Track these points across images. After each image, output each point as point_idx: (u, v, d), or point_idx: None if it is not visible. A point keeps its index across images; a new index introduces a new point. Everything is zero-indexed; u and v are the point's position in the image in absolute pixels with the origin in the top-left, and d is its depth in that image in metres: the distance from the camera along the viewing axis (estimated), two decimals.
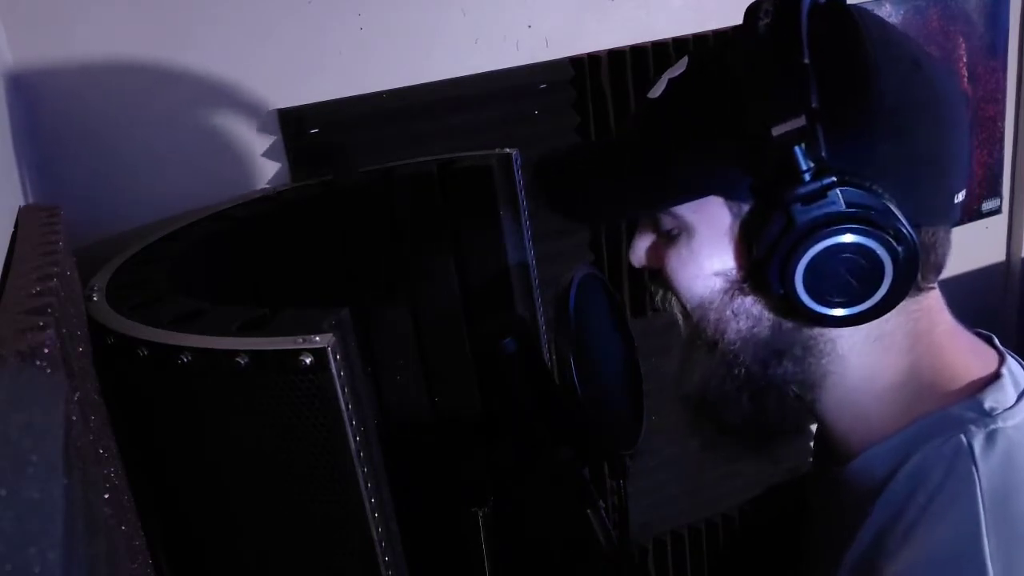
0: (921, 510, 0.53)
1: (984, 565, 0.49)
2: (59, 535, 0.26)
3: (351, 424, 0.55)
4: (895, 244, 0.51)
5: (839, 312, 0.54)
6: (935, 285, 0.59)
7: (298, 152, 1.11)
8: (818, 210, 0.51)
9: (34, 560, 0.24)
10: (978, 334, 0.63)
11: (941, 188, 0.56)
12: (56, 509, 0.27)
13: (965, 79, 1.67)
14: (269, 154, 1.11)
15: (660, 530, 1.53)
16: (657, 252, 0.63)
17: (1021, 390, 0.57)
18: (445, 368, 1.05)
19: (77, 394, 0.43)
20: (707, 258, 0.58)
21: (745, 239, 0.56)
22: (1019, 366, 0.60)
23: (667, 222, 0.60)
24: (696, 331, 0.61)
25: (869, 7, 1.50)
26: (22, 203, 0.73)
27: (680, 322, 0.64)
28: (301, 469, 0.58)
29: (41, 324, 0.39)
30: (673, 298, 0.63)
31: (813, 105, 0.50)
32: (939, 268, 0.58)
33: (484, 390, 1.03)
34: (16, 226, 0.65)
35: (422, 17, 1.16)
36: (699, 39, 1.32)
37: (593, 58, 1.27)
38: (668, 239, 0.61)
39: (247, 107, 1.09)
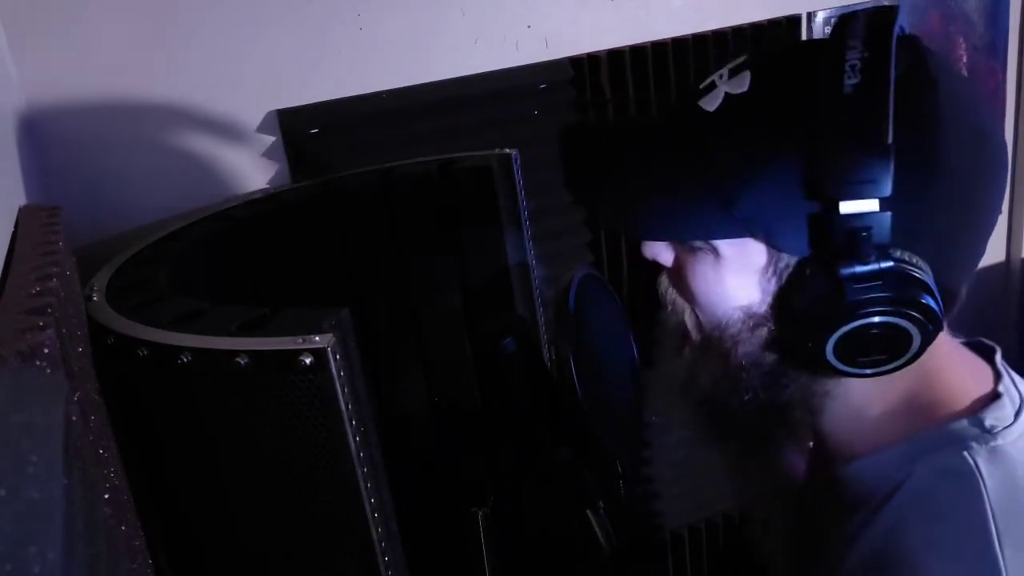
0: (931, 531, 0.54)
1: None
2: (59, 535, 0.26)
3: (351, 424, 0.55)
4: (929, 325, 0.52)
5: (858, 371, 0.55)
6: None
7: (298, 152, 1.11)
8: (870, 293, 0.51)
9: (34, 560, 0.24)
10: (980, 344, 0.64)
11: (977, 253, 0.57)
12: (56, 509, 0.27)
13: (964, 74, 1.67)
14: (269, 154, 1.11)
15: (660, 530, 1.54)
16: (676, 256, 0.62)
17: (1018, 407, 0.58)
18: (445, 368, 1.05)
19: (77, 394, 0.43)
20: (733, 288, 0.58)
21: (780, 285, 0.56)
22: (1013, 382, 0.61)
23: (696, 241, 0.59)
24: (708, 341, 0.62)
25: (869, 7, 1.50)
26: (22, 203, 0.73)
27: (688, 325, 0.64)
28: (301, 469, 0.58)
29: (41, 324, 0.39)
30: (687, 307, 0.63)
31: (888, 194, 0.49)
32: (951, 306, 0.58)
33: (484, 390, 1.03)
34: (16, 226, 0.65)
35: (422, 17, 1.16)
36: (699, 39, 1.32)
37: (593, 58, 1.27)
38: (689, 250, 0.60)
39: (247, 107, 1.09)
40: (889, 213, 0.49)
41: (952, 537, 0.53)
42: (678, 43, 1.31)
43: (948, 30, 1.62)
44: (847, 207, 0.50)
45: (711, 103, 0.56)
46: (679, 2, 1.32)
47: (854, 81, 0.49)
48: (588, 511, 0.76)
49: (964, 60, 1.65)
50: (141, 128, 1.03)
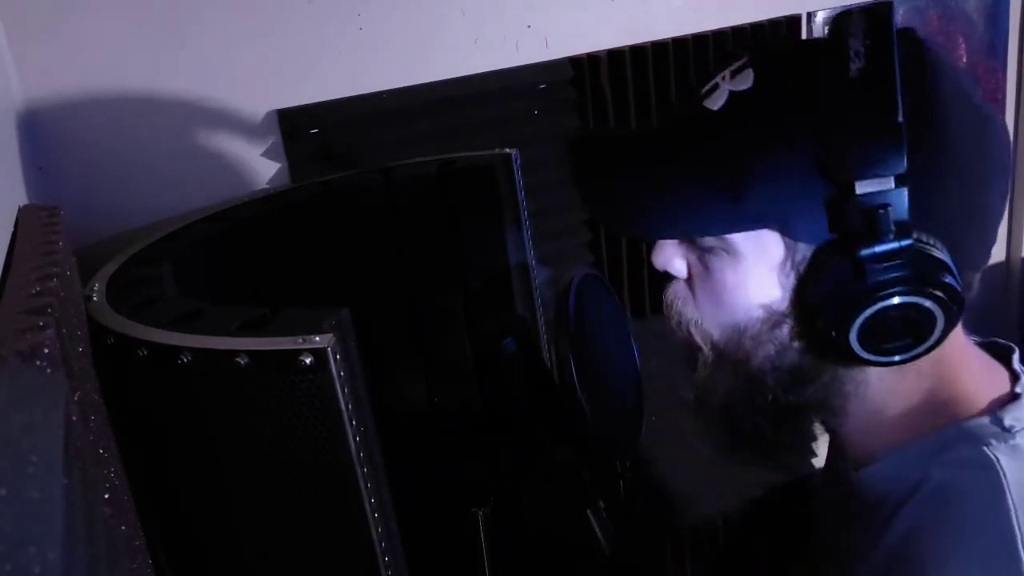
0: (955, 530, 0.54)
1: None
2: (59, 535, 0.26)
3: (351, 424, 0.55)
4: (952, 305, 0.52)
5: (883, 358, 0.54)
6: None
7: (298, 152, 1.11)
8: (891, 272, 0.51)
9: (34, 560, 0.24)
10: (996, 344, 0.64)
11: (984, 240, 0.57)
12: (56, 509, 0.27)
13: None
14: (269, 154, 1.11)
15: (660, 530, 1.53)
16: (690, 264, 0.62)
17: None
18: (445, 368, 1.05)
19: (77, 394, 0.43)
20: (754, 288, 0.58)
21: (799, 278, 0.56)
22: None
23: (709, 240, 0.59)
24: (723, 352, 0.61)
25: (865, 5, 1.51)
26: (22, 203, 0.73)
27: (697, 339, 0.63)
28: (301, 469, 0.58)
29: (41, 324, 0.39)
30: (692, 321, 0.62)
31: (903, 170, 0.49)
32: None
33: (484, 390, 1.03)
34: (16, 226, 0.65)
35: (422, 17, 1.16)
36: (699, 39, 1.32)
37: (593, 58, 1.27)
38: (704, 253, 0.60)
39: (247, 107, 1.09)
40: (905, 189, 0.50)
41: (975, 533, 0.53)
42: (678, 43, 1.31)
43: (948, 30, 1.62)
44: (863, 187, 0.50)
45: (716, 102, 0.57)
46: (679, 2, 1.32)
47: (859, 65, 0.50)
48: (588, 511, 0.76)
49: (964, 60, 1.65)
50: (141, 128, 1.03)
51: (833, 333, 0.54)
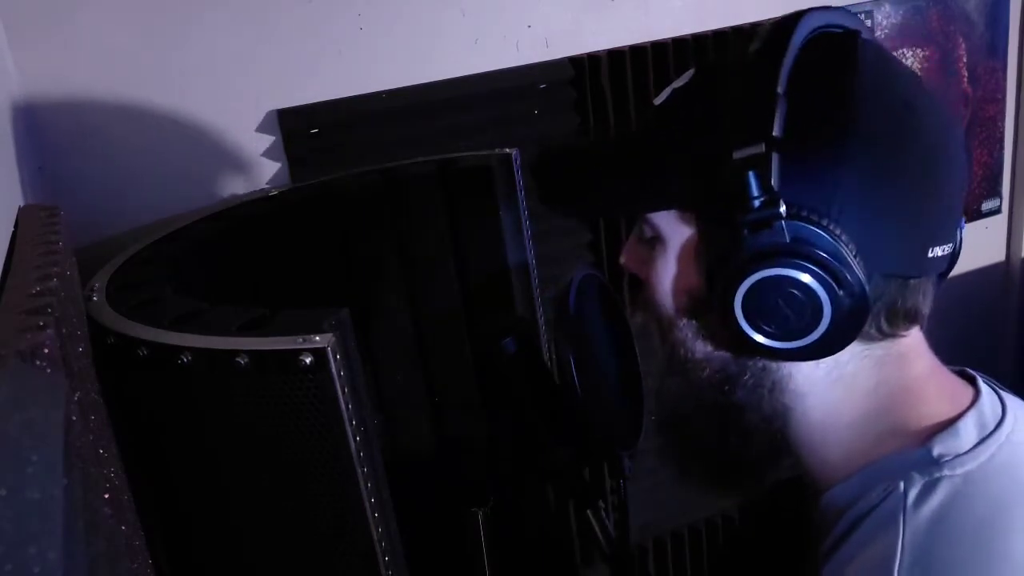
0: (850, 554, 0.53)
1: None
2: (59, 535, 0.26)
3: (351, 424, 0.55)
4: (835, 286, 0.50)
5: (774, 344, 0.53)
6: (910, 333, 0.57)
7: (298, 152, 1.11)
8: (763, 239, 0.51)
9: (34, 560, 0.24)
10: (962, 373, 0.61)
11: (912, 239, 0.53)
12: (56, 509, 0.27)
13: (965, 79, 1.67)
14: (269, 154, 1.11)
15: (660, 530, 1.53)
16: (639, 259, 0.63)
17: (984, 436, 0.55)
18: (445, 368, 1.05)
19: (77, 394, 0.43)
20: (680, 273, 0.58)
21: (700, 257, 0.56)
22: (995, 407, 0.58)
23: (646, 230, 0.60)
24: (668, 352, 0.61)
25: (868, 7, 1.51)
26: (22, 203, 0.73)
27: (657, 344, 0.64)
28: (301, 469, 0.58)
29: (41, 324, 0.39)
30: (654, 320, 0.62)
31: (775, 133, 0.49)
32: (914, 316, 0.56)
33: (484, 390, 1.03)
34: (16, 226, 0.65)
35: (422, 17, 1.16)
36: (699, 39, 1.33)
37: (593, 58, 1.27)
38: (648, 247, 0.61)
39: (247, 107, 1.09)
40: (776, 155, 0.49)
41: (865, 566, 0.51)
42: (678, 43, 1.31)
43: (948, 30, 1.62)
44: (739, 154, 0.50)
45: (660, 98, 0.60)
46: (679, 2, 1.32)
47: (756, 46, 0.54)
48: (588, 511, 0.76)
49: (964, 60, 1.65)
50: (141, 128, 1.03)
51: (721, 311, 0.53)
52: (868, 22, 1.53)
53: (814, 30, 0.54)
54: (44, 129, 0.98)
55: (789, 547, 0.81)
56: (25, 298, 0.44)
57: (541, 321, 1.03)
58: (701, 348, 0.59)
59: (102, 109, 1.00)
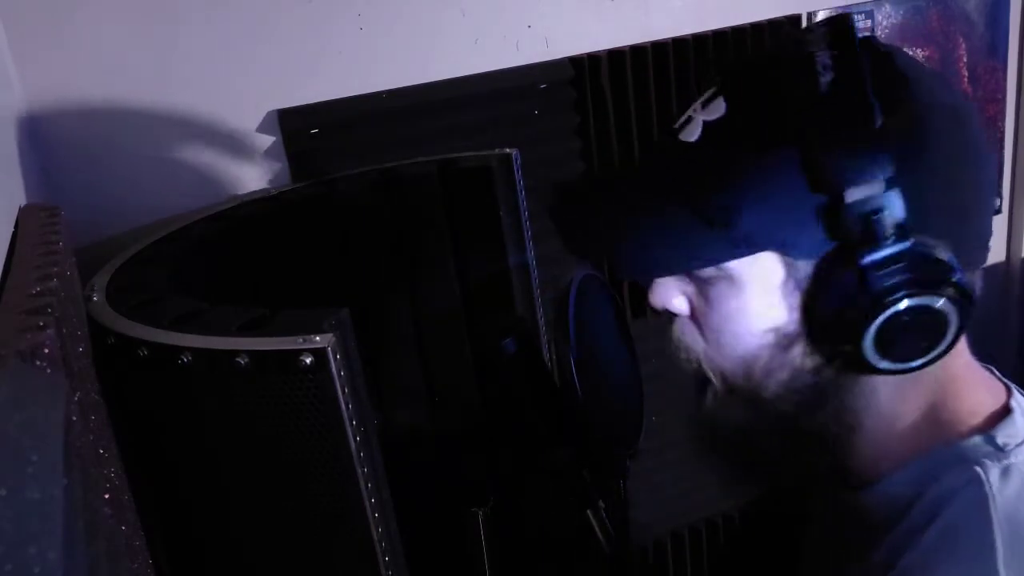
0: (939, 541, 0.54)
1: None
2: (59, 535, 0.26)
3: (351, 424, 0.55)
4: (962, 302, 0.51)
5: (898, 366, 0.54)
6: None
7: (298, 152, 1.11)
8: (895, 277, 0.51)
9: (34, 560, 0.24)
10: (983, 366, 0.63)
11: (979, 235, 0.56)
12: (56, 509, 0.27)
13: (965, 79, 1.67)
14: (269, 154, 1.11)
15: (660, 530, 1.53)
16: (690, 299, 0.61)
17: None
18: (445, 368, 1.05)
19: (77, 394, 0.43)
20: (759, 314, 0.57)
21: (803, 296, 0.55)
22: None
23: (707, 270, 0.58)
24: (735, 383, 0.61)
25: (868, 7, 1.51)
26: (22, 203, 0.73)
27: (708, 371, 0.63)
28: (301, 469, 0.58)
29: (41, 324, 0.39)
30: (701, 355, 0.62)
31: (890, 173, 0.49)
32: None
33: (484, 390, 1.03)
34: (16, 226, 0.65)
35: (422, 17, 1.16)
36: (699, 39, 1.33)
37: (593, 58, 1.27)
38: (703, 285, 0.59)
39: (247, 107, 1.09)
40: (896, 191, 0.50)
41: (958, 556, 0.53)
42: (678, 43, 1.31)
43: (948, 30, 1.62)
44: (852, 195, 0.50)
45: (691, 135, 0.57)
46: (679, 2, 1.32)
47: (828, 78, 0.51)
48: (588, 511, 0.76)
49: (964, 60, 1.65)
50: (141, 128, 1.03)
51: (847, 347, 0.53)
52: (868, 22, 1.53)
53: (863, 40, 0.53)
54: (45, 129, 0.98)
55: (789, 547, 0.81)
56: (25, 298, 0.44)
57: (541, 321, 1.03)
58: (788, 378, 0.58)
59: (102, 109, 1.00)
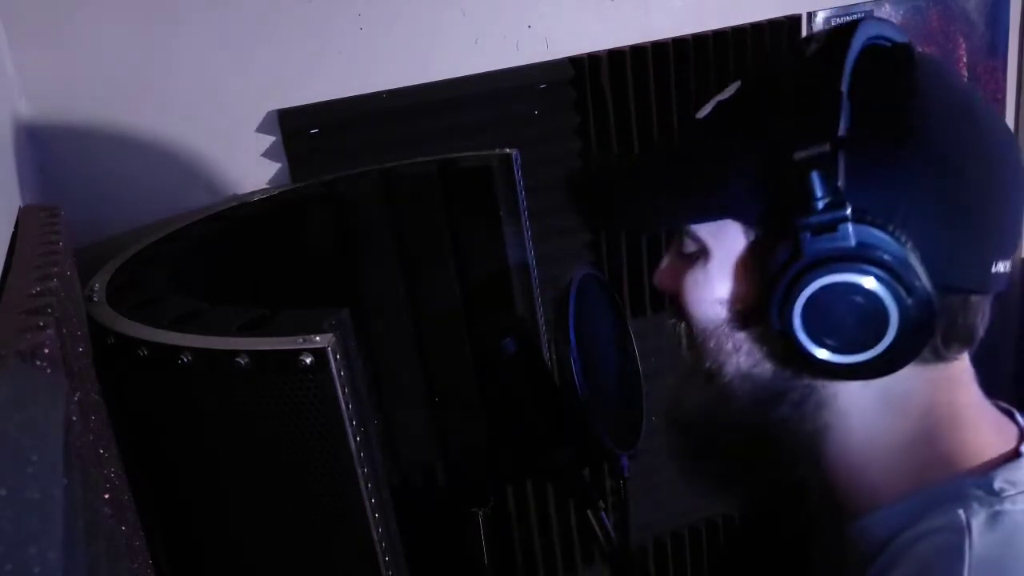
0: None
1: None
2: (59, 535, 0.26)
3: (351, 424, 0.55)
4: (904, 295, 0.48)
5: (835, 358, 0.51)
6: (962, 357, 0.56)
7: (298, 152, 1.11)
8: (826, 243, 0.48)
9: (34, 560, 0.24)
10: (998, 407, 0.60)
11: (976, 252, 0.51)
12: (56, 509, 0.27)
13: (965, 79, 1.67)
14: (269, 154, 1.11)
15: (660, 530, 1.54)
16: (676, 274, 0.61)
17: None
18: (445, 368, 1.05)
19: (77, 394, 0.43)
20: (718, 283, 0.56)
21: (754, 267, 0.54)
22: None
23: (689, 244, 0.58)
24: (696, 361, 0.60)
25: (868, 7, 1.51)
26: (22, 203, 0.73)
27: (684, 351, 0.62)
28: (301, 469, 0.58)
29: (41, 324, 0.39)
30: (683, 325, 0.61)
31: (841, 133, 0.47)
32: (969, 338, 0.54)
33: (484, 390, 1.03)
34: (16, 226, 0.65)
35: (422, 17, 1.16)
36: (699, 39, 1.33)
37: (593, 58, 1.27)
38: (688, 262, 0.59)
39: (247, 107, 1.09)
40: (842, 156, 0.48)
41: None
42: (678, 43, 1.31)
43: (948, 30, 1.62)
44: (800, 154, 0.48)
45: (703, 112, 0.58)
46: (679, 2, 1.32)
47: (815, 47, 0.52)
48: (588, 511, 0.76)
49: (964, 60, 1.65)
50: (141, 128, 1.03)
51: (778, 324, 0.51)
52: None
53: (870, 39, 0.53)
54: (44, 129, 0.98)
55: (789, 548, 0.81)
56: (25, 298, 0.44)
57: (541, 321, 1.03)
58: (745, 363, 0.56)
59: (102, 110, 1.00)
